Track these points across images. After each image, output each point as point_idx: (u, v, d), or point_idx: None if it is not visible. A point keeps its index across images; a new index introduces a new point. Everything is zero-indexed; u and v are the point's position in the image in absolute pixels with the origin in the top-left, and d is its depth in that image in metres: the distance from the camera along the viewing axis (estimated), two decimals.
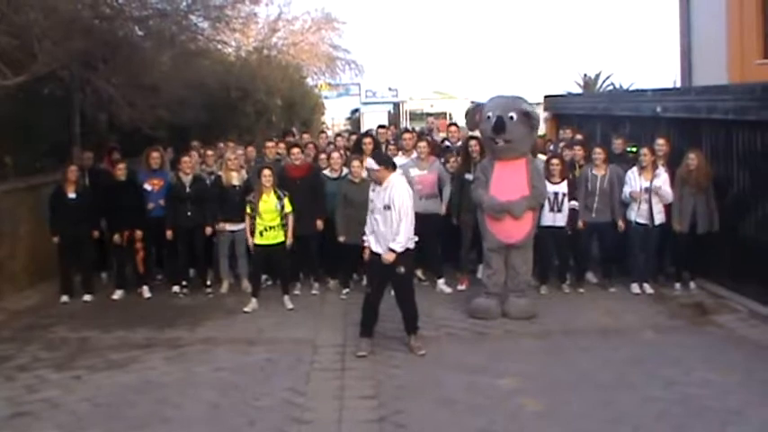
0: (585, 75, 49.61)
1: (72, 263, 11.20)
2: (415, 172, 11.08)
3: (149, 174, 11.55)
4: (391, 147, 12.82)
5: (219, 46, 18.89)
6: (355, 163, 10.84)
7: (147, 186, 11.41)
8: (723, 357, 8.32)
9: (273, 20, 25.47)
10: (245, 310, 10.34)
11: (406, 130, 13.61)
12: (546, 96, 20.45)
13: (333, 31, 28.28)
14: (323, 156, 12.01)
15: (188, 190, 11.15)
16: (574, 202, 10.92)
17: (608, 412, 6.87)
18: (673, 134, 11.84)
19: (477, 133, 10.76)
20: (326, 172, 11.43)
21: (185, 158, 11.47)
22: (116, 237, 11.14)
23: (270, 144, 12.52)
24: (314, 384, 7.67)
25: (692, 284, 11.00)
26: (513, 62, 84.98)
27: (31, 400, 7.34)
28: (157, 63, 14.50)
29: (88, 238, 11.17)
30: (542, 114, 19.38)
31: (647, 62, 78.44)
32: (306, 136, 15.86)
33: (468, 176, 10.79)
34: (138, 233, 11.18)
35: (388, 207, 8.33)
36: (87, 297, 11.08)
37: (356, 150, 12.13)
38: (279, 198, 10.39)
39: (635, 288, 10.97)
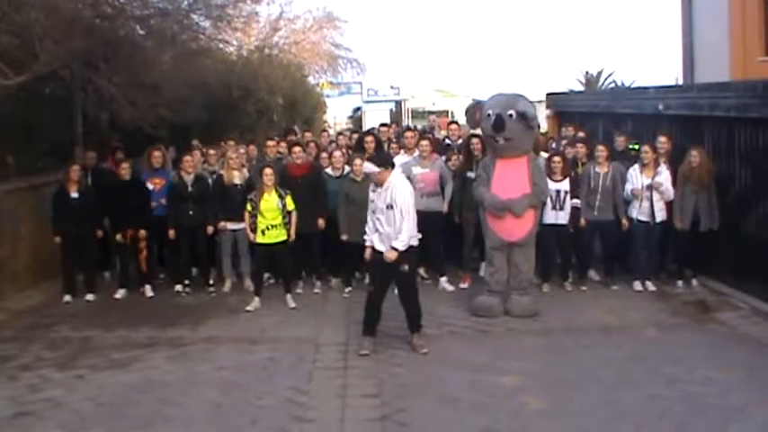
0: (587, 72, 49.52)
1: (74, 262, 11.20)
2: (417, 170, 11.09)
3: (151, 173, 11.57)
4: (393, 145, 12.84)
5: (221, 45, 18.89)
6: (357, 161, 10.82)
7: (149, 185, 11.42)
8: (725, 355, 8.31)
9: (275, 19, 25.48)
10: (248, 308, 10.34)
11: (408, 129, 13.62)
12: (548, 94, 20.44)
13: (334, 30, 28.29)
14: (324, 154, 12.01)
15: (190, 189, 11.16)
16: (575, 200, 10.92)
17: (610, 410, 6.87)
18: (675, 131, 11.82)
19: (478, 131, 10.76)
20: (329, 170, 11.43)
21: (187, 158, 11.47)
22: (118, 236, 11.15)
23: (270, 143, 12.52)
24: (316, 383, 7.67)
25: (694, 282, 10.99)
26: (515, 60, 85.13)
27: (33, 400, 7.34)
28: (159, 62, 14.51)
29: (91, 238, 11.17)
30: (544, 112, 19.41)
31: (649, 59, 78.26)
32: (308, 134, 15.85)
33: (471, 174, 10.79)
34: (142, 233, 11.19)
35: (390, 206, 8.32)
36: (90, 296, 11.08)
37: (358, 149, 12.13)
38: (280, 197, 10.39)
39: (637, 286, 10.96)
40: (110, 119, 14.33)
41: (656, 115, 12.81)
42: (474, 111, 10.32)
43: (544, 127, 17.91)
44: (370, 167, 8.50)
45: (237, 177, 11.26)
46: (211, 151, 11.96)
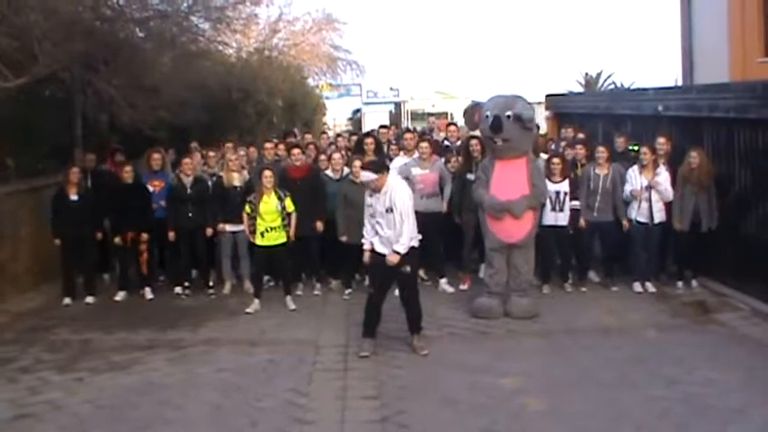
0: (587, 74, 49.57)
1: (74, 265, 11.20)
2: (416, 171, 11.09)
3: (150, 175, 11.58)
4: (393, 146, 12.85)
5: (220, 47, 18.89)
6: (356, 163, 10.82)
7: (149, 188, 11.42)
8: (725, 356, 8.31)
9: (274, 21, 25.48)
10: (248, 310, 10.34)
11: (408, 130, 13.61)
12: (547, 95, 20.43)
13: (334, 32, 28.31)
14: (322, 157, 12.00)
15: (189, 191, 11.16)
16: (575, 202, 10.93)
17: (610, 411, 6.86)
18: (674, 133, 11.82)
19: (477, 133, 10.77)
20: (328, 172, 11.43)
21: (186, 160, 11.49)
22: (117, 239, 11.15)
23: (268, 145, 12.52)
24: (316, 385, 7.66)
25: (694, 283, 10.99)
26: (515, 61, 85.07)
27: (33, 402, 7.33)
28: (158, 64, 14.50)
29: (90, 240, 11.17)
30: (544, 113, 19.41)
31: (649, 61, 78.42)
32: (308, 136, 15.85)
33: (470, 176, 10.79)
34: (145, 236, 11.20)
35: (390, 210, 8.32)
36: (89, 299, 11.08)
37: (358, 151, 12.12)
38: (280, 199, 10.39)
39: (637, 287, 10.96)
40: (109, 121, 14.32)
41: (656, 116, 12.81)
42: (472, 112, 10.33)
43: (544, 128, 17.91)
44: (368, 176, 8.44)
45: (237, 179, 11.27)
46: (211, 153, 11.96)
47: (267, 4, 21.95)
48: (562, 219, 10.90)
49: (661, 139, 11.20)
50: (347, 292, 11.09)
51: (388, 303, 8.77)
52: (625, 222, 10.96)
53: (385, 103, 46.88)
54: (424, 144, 11.37)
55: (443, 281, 11.27)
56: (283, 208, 10.41)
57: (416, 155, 11.40)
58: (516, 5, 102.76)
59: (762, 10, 18.34)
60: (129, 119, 13.15)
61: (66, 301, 11.01)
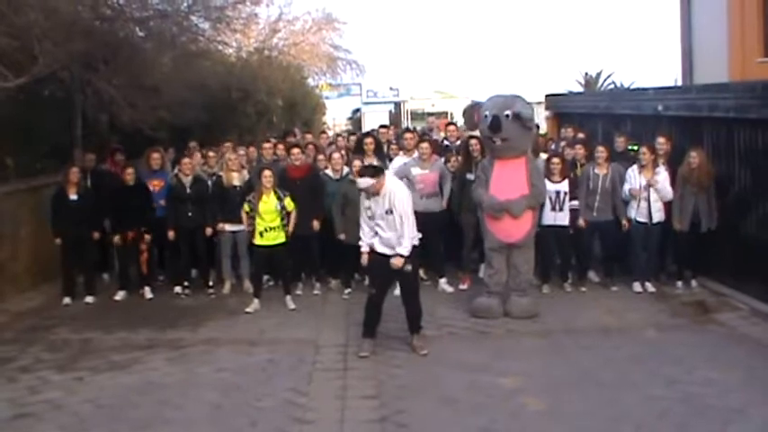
0: (587, 73, 49.53)
1: (74, 264, 11.21)
2: (416, 171, 11.08)
3: (150, 174, 11.58)
4: (393, 146, 12.85)
5: (220, 47, 18.88)
6: (356, 163, 10.86)
7: (149, 187, 11.42)
8: (725, 356, 8.32)
9: (274, 20, 25.43)
10: (247, 310, 10.35)
11: (407, 130, 13.61)
12: (547, 95, 20.43)
13: (333, 32, 28.24)
14: (321, 156, 12.00)
15: (188, 191, 11.17)
16: (574, 202, 10.94)
17: (610, 411, 6.87)
18: (674, 132, 11.83)
19: (477, 132, 10.77)
20: (329, 172, 11.43)
21: (185, 160, 11.50)
22: (116, 238, 11.15)
23: (267, 145, 12.55)
24: (316, 384, 7.67)
25: (693, 283, 11.00)
26: (515, 61, 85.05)
27: (33, 402, 7.34)
28: (158, 64, 14.51)
29: (90, 240, 11.17)
30: (544, 113, 19.42)
31: (649, 61, 78.42)
32: (308, 136, 15.85)
33: (470, 176, 10.80)
34: (147, 237, 11.21)
35: (390, 212, 8.32)
36: (89, 298, 11.09)
37: (357, 151, 12.12)
38: (279, 198, 10.39)
39: (637, 287, 10.97)
40: (109, 121, 14.32)
41: (656, 116, 12.82)
42: (471, 112, 10.37)
43: (543, 128, 17.91)
44: (366, 182, 8.35)
45: (237, 179, 11.27)
46: (211, 153, 11.96)
47: (267, 4, 21.92)
48: (562, 218, 10.91)
49: (661, 139, 11.21)
50: (347, 291, 11.09)
51: (388, 303, 8.78)
52: (624, 222, 10.96)
53: (385, 102, 46.89)
54: (425, 145, 11.36)
55: (443, 280, 11.27)
56: (283, 208, 10.41)
57: (416, 154, 11.39)
58: (516, 5, 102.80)
59: (761, 10, 18.34)
60: (129, 118, 13.14)
61: (66, 300, 11.01)
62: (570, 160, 11.58)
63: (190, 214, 11.12)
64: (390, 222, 8.34)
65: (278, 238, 10.40)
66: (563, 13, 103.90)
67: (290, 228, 10.56)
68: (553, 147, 13.46)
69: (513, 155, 9.77)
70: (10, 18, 10.48)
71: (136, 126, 13.36)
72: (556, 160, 11.01)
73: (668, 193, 10.72)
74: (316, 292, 11.28)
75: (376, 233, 8.53)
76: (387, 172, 8.77)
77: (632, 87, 33.81)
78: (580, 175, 11.26)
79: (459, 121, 24.15)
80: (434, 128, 16.14)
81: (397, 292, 9.12)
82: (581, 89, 45.72)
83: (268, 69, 23.25)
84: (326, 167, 11.56)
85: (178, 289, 11.36)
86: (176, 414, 7.04)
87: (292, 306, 10.48)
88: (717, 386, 7.37)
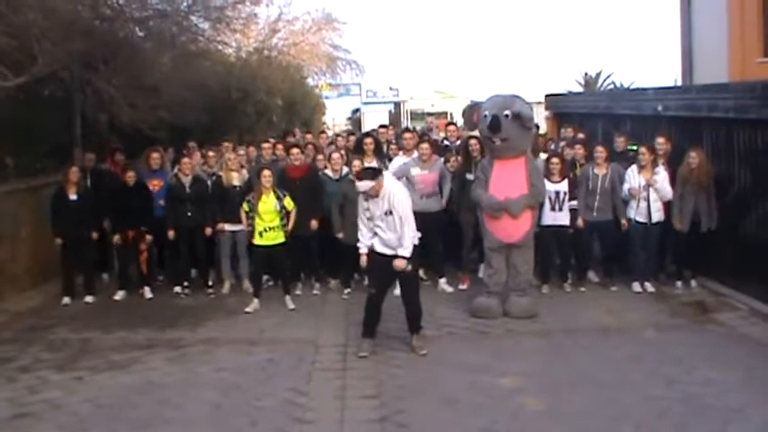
0: (586, 73, 49.50)
1: (73, 264, 11.21)
2: (416, 171, 11.08)
3: (149, 174, 11.58)
4: (392, 146, 12.85)
5: (220, 47, 18.89)
6: (356, 162, 10.86)
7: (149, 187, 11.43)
8: (724, 356, 8.31)
9: (274, 20, 25.45)
10: (247, 310, 10.35)
11: (407, 130, 13.61)
12: (547, 95, 20.44)
13: (333, 32, 28.26)
14: (320, 156, 12.00)
15: (188, 190, 11.17)
16: (573, 202, 10.94)
17: (609, 411, 6.87)
18: (674, 132, 11.83)
19: (476, 132, 10.77)
20: (328, 172, 11.43)
21: (185, 160, 11.51)
22: (116, 238, 11.16)
23: (266, 145, 12.54)
24: (315, 384, 7.67)
25: (693, 283, 11.00)
26: (514, 61, 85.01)
27: (32, 401, 7.34)
28: (158, 64, 14.50)
29: (90, 240, 11.16)
30: (544, 113, 19.42)
31: (648, 61, 78.41)
32: (308, 136, 15.84)
33: (469, 176, 10.79)
34: (149, 238, 11.21)
35: (389, 213, 8.32)
36: (89, 298, 11.09)
37: (357, 151, 12.12)
38: (278, 198, 10.39)
39: (636, 287, 10.97)
40: (109, 120, 14.31)
41: (655, 116, 12.82)
42: (470, 113, 10.38)
43: (543, 128, 17.91)
44: (366, 185, 8.29)
45: (236, 179, 11.27)
46: (210, 153, 11.96)
47: (267, 4, 21.96)
48: (561, 218, 10.92)
49: (660, 139, 11.21)
50: (346, 291, 11.09)
51: (388, 303, 8.78)
52: (624, 221, 10.96)
53: (384, 102, 46.89)
54: (425, 146, 11.34)
55: (443, 281, 11.27)
56: (282, 207, 10.41)
57: (415, 154, 11.39)
58: (516, 5, 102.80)
59: (761, 10, 18.35)
60: (129, 118, 13.14)
61: (66, 300, 11.02)
62: (570, 160, 11.59)
63: (189, 214, 11.12)
64: (390, 223, 8.34)
65: (277, 238, 10.40)
66: (563, 13, 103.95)
67: (290, 227, 10.55)
68: (553, 147, 13.46)
69: (512, 155, 9.77)
70: (9, 18, 10.47)
71: (135, 126, 13.36)
72: (555, 160, 11.02)
73: (667, 192, 10.72)
74: (315, 291, 11.28)
75: (375, 234, 8.53)
76: (385, 173, 8.75)
77: (632, 87, 33.81)
78: (579, 175, 11.26)
79: (459, 121, 24.17)
80: (433, 128, 16.14)
81: (397, 291, 9.12)
82: (581, 89, 45.72)
83: (268, 69, 23.26)
84: (326, 167, 11.56)
85: (178, 289, 11.37)
86: (176, 414, 7.04)
87: (292, 306, 10.49)
88: (716, 386, 7.37)
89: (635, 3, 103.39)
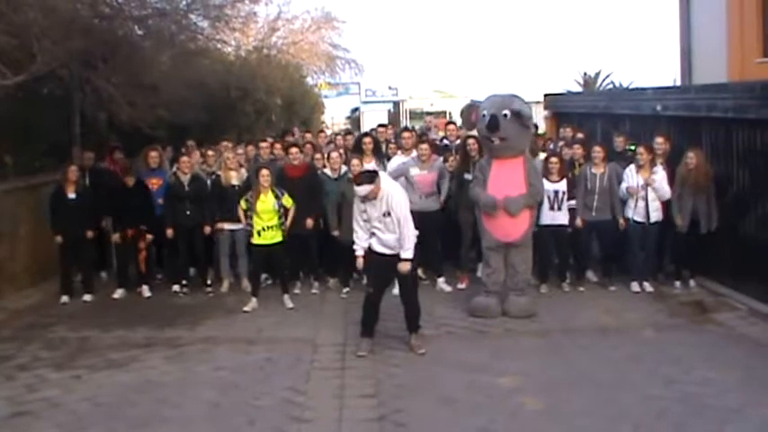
0: (585, 73, 49.55)
1: (72, 262, 11.20)
2: (415, 171, 11.07)
3: (148, 173, 11.58)
4: (391, 145, 12.84)
5: (219, 45, 18.89)
6: (354, 161, 10.86)
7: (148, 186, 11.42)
8: (723, 355, 8.32)
9: (273, 19, 25.45)
10: (245, 309, 10.34)
11: (406, 129, 13.60)
12: (546, 95, 20.43)
13: (332, 31, 28.24)
14: (318, 155, 11.99)
15: (187, 189, 11.17)
16: (572, 202, 10.94)
17: (608, 411, 6.87)
18: (673, 132, 11.83)
19: (475, 132, 10.77)
20: (327, 171, 11.42)
21: (183, 158, 11.51)
22: (115, 236, 11.16)
23: (263, 144, 12.50)
24: (314, 383, 7.67)
25: (691, 283, 11.00)
26: (514, 61, 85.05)
27: (30, 400, 7.34)
28: (157, 62, 14.50)
29: (88, 238, 11.15)
30: (543, 113, 19.42)
31: (647, 61, 78.46)
32: (308, 135, 15.83)
33: (468, 176, 10.78)
34: (149, 237, 11.21)
35: (387, 214, 8.32)
36: (87, 297, 11.09)
37: (356, 150, 12.12)
38: (277, 197, 10.38)
39: (635, 286, 10.97)
40: (108, 119, 14.31)
41: (654, 116, 12.82)
42: (469, 112, 10.36)
43: (542, 128, 17.91)
44: (365, 189, 8.24)
45: (235, 178, 11.27)
46: (210, 152, 11.96)
47: (266, 3, 21.89)
48: (560, 218, 10.92)
49: (659, 139, 11.21)
50: (345, 290, 11.09)
51: (387, 302, 8.78)
52: (621, 221, 10.96)
53: (383, 101, 46.95)
54: (424, 146, 11.32)
55: (441, 280, 11.27)
56: (281, 206, 10.40)
57: (414, 154, 11.38)
58: (515, 5, 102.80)
59: (760, 10, 18.35)
60: (128, 117, 13.12)
61: (64, 298, 11.01)
62: (568, 160, 11.59)
63: (188, 213, 11.12)
64: (388, 224, 8.34)
65: (276, 237, 10.40)
66: (562, 12, 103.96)
67: (288, 223, 10.54)
68: (552, 146, 13.46)
69: (510, 154, 9.77)
70: (9, 16, 10.46)
71: (134, 124, 13.34)
72: (554, 160, 11.02)
73: (666, 192, 10.72)
74: (314, 291, 11.28)
75: (372, 234, 8.52)
76: (381, 174, 8.73)
77: (631, 87, 33.82)
78: (578, 174, 11.26)
79: (458, 120, 24.17)
80: (432, 127, 16.12)
81: (396, 291, 9.12)
82: (580, 89, 45.74)
83: (267, 68, 23.26)
84: (324, 166, 11.56)
85: (176, 287, 11.36)
86: (174, 412, 7.03)
87: (290, 305, 10.48)
88: (715, 386, 7.37)
89: (634, 3, 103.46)
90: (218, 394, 7.40)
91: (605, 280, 11.31)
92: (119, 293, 11.20)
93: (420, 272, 11.10)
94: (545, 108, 19.68)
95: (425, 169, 11.12)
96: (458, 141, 12.71)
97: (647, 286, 10.95)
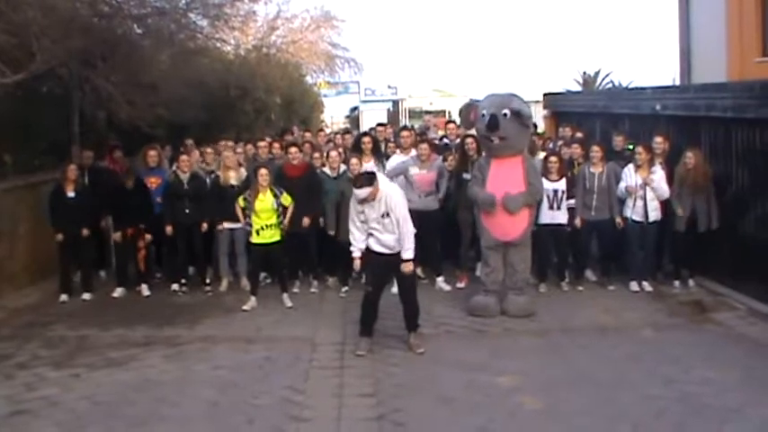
0: (585, 72, 49.52)
1: (71, 261, 11.20)
2: (414, 170, 11.07)
3: (147, 172, 11.58)
4: (391, 144, 12.83)
5: (218, 44, 18.90)
6: (353, 160, 10.85)
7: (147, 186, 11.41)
8: (722, 355, 8.31)
9: (272, 18, 25.45)
10: (244, 308, 10.34)
11: (404, 128, 13.60)
12: (545, 94, 20.43)
13: (332, 30, 28.23)
14: (317, 154, 11.98)
15: (186, 187, 11.17)
16: (571, 201, 10.94)
17: (607, 410, 6.87)
18: (672, 132, 11.83)
19: (473, 131, 10.76)
20: (326, 170, 11.41)
21: (183, 157, 11.50)
22: (116, 235, 11.16)
23: (262, 143, 12.49)
24: (313, 382, 7.67)
25: (690, 282, 11.00)
26: (513, 60, 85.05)
27: (30, 398, 7.34)
28: (156, 61, 14.50)
29: (87, 237, 11.14)
30: (542, 112, 19.42)
31: (647, 60, 78.45)
32: (307, 134, 15.83)
33: (466, 176, 10.77)
34: (148, 237, 11.21)
35: (386, 215, 8.32)
36: (86, 295, 11.09)
37: (355, 150, 12.11)
38: (275, 196, 10.38)
39: (634, 286, 10.97)
40: (107, 118, 14.32)
41: (654, 115, 12.82)
42: (468, 112, 10.34)
43: (541, 127, 17.91)
44: (365, 192, 8.22)
45: (234, 178, 11.26)
46: (209, 150, 11.96)
47: (265, 2, 21.90)
48: (559, 217, 10.91)
49: (658, 138, 11.20)
50: (344, 289, 11.08)
51: (385, 301, 8.79)
52: (618, 220, 10.96)
53: (383, 100, 46.99)
54: (424, 146, 11.31)
55: (440, 279, 11.28)
56: (279, 205, 10.39)
57: (413, 153, 11.37)
58: (515, 4, 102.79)
59: (759, 10, 18.34)
60: (127, 116, 13.12)
61: (63, 297, 11.01)
62: (567, 159, 11.58)
63: (187, 211, 11.11)
64: (387, 225, 8.34)
65: (274, 236, 10.39)
66: (561, 12, 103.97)
67: (287, 221, 10.54)
68: (551, 146, 13.46)
69: (510, 153, 9.77)
70: (8, 15, 10.46)
71: (134, 123, 13.34)
72: (553, 159, 11.02)
73: (664, 192, 10.72)
74: (313, 289, 11.27)
75: (369, 235, 8.51)
76: (379, 175, 8.71)
77: (630, 86, 33.80)
78: (576, 174, 11.25)
79: (457, 119, 24.17)
80: (431, 126, 16.10)
81: (395, 290, 9.11)
82: (579, 88, 45.73)
83: (266, 67, 23.25)
84: (323, 165, 11.55)
85: (175, 286, 11.36)
86: (173, 411, 7.03)
87: (289, 304, 10.48)
88: (714, 385, 7.37)
89: (633, 2, 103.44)
90: (217, 393, 7.40)
91: (604, 279, 11.31)
92: (118, 292, 11.20)
93: (419, 271, 11.12)
94: (544, 107, 19.68)
95: (425, 168, 11.11)
96: (458, 140, 12.71)
97: (646, 286, 10.95)
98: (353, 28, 40.09)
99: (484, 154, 10.32)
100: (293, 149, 11.40)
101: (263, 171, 10.44)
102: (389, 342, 8.77)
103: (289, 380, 7.71)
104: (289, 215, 10.56)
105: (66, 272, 11.18)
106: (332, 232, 10.86)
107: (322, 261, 11.71)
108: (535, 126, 12.88)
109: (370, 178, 8.33)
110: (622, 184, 10.88)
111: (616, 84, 44.62)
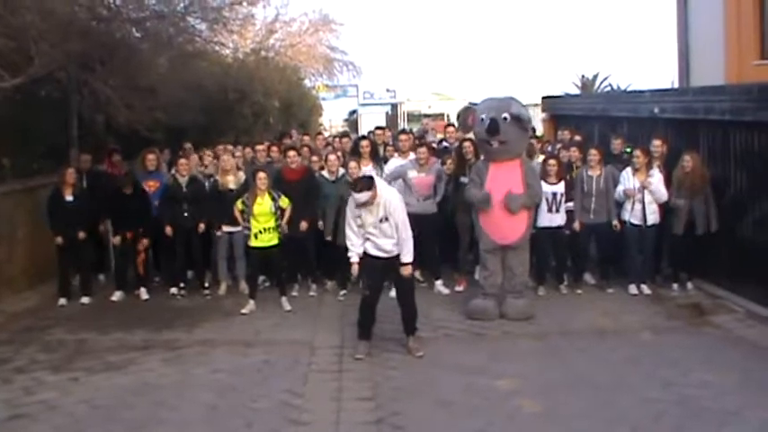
0: (583, 76, 49.42)
1: (70, 265, 11.19)
2: (413, 174, 11.07)
3: (145, 175, 11.57)
4: (389, 148, 12.82)
5: (217, 48, 18.87)
6: (352, 164, 10.84)
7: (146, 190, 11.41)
8: (721, 358, 8.31)
9: (271, 21, 25.49)
10: (243, 311, 10.33)
11: (403, 132, 13.59)
12: (544, 97, 20.44)
13: (330, 33, 28.31)
14: (315, 158, 11.98)
15: (184, 190, 11.17)
16: (570, 204, 10.95)
17: (606, 413, 6.87)
18: (670, 135, 11.83)
19: (470, 135, 10.76)
20: (325, 174, 11.41)
21: (182, 161, 11.48)
22: (116, 239, 11.16)
23: (260, 147, 12.49)
24: (311, 386, 7.66)
25: (689, 285, 10.99)
26: (511, 63, 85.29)
27: (28, 402, 7.33)
28: (155, 65, 14.50)
29: (85, 241, 11.13)
30: (540, 115, 19.42)
31: (645, 63, 78.45)
32: (306, 138, 15.82)
33: (464, 179, 10.76)
34: (146, 241, 11.20)
35: (384, 219, 8.31)
36: (85, 299, 11.08)
37: (354, 153, 12.11)
38: (274, 200, 10.38)
39: (632, 289, 10.96)
40: (105, 121, 14.31)
41: (652, 119, 12.82)
42: (466, 115, 10.32)
43: (540, 130, 17.91)
44: (365, 196, 8.21)
45: (232, 182, 11.25)
46: (207, 153, 11.96)
47: (264, 5, 21.97)
48: (558, 220, 10.91)
49: (656, 142, 11.20)
50: (342, 293, 11.07)
51: (384, 304, 8.78)
52: (615, 223, 10.96)
53: (381, 104, 47.02)
54: (423, 149, 11.31)
55: (439, 282, 11.27)
56: (278, 208, 10.39)
57: (412, 156, 11.37)
58: (513, 7, 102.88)
59: (758, 13, 18.33)
60: (126, 119, 13.13)
61: (62, 301, 11.00)
62: (566, 162, 11.59)
63: (186, 214, 11.11)
64: (385, 229, 8.34)
65: (273, 239, 10.39)
66: (560, 15, 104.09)
67: (284, 222, 10.53)
68: (549, 149, 13.46)
69: (508, 157, 9.76)
70: (7, 19, 10.47)
71: (132, 127, 13.35)
72: (552, 162, 11.02)
73: (662, 194, 10.72)
74: (311, 293, 11.27)
75: (367, 239, 8.50)
76: (377, 179, 8.70)
77: (629, 90, 33.79)
78: (574, 177, 11.26)
79: (456, 123, 24.16)
80: (429, 130, 16.09)
81: (393, 293, 9.10)
82: (578, 91, 45.68)
83: (265, 70, 23.27)
84: (321, 168, 11.55)
85: (174, 290, 11.36)
86: (171, 415, 7.03)
87: (288, 307, 10.48)
88: (712, 388, 7.37)
89: (632, 5, 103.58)
90: (216, 397, 7.40)
91: (603, 282, 11.31)
92: (117, 296, 11.19)
93: (417, 274, 11.11)
94: (543, 110, 19.69)
95: (423, 172, 11.11)
96: (457, 143, 12.70)
97: (645, 289, 10.95)
98: (352, 31, 40.26)
99: (482, 157, 10.32)
100: (292, 153, 11.40)
101: (261, 174, 10.44)
102: (388, 345, 8.77)
103: (287, 383, 7.71)
104: (287, 216, 10.56)
105: (64, 276, 11.17)
106: (329, 237, 10.84)
107: (320, 264, 11.69)
108: (534, 129, 12.88)
109: (369, 182, 8.32)
110: (620, 188, 10.89)
111: (614, 87, 44.61)
